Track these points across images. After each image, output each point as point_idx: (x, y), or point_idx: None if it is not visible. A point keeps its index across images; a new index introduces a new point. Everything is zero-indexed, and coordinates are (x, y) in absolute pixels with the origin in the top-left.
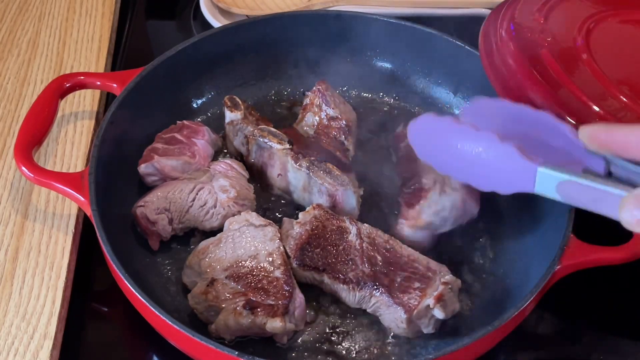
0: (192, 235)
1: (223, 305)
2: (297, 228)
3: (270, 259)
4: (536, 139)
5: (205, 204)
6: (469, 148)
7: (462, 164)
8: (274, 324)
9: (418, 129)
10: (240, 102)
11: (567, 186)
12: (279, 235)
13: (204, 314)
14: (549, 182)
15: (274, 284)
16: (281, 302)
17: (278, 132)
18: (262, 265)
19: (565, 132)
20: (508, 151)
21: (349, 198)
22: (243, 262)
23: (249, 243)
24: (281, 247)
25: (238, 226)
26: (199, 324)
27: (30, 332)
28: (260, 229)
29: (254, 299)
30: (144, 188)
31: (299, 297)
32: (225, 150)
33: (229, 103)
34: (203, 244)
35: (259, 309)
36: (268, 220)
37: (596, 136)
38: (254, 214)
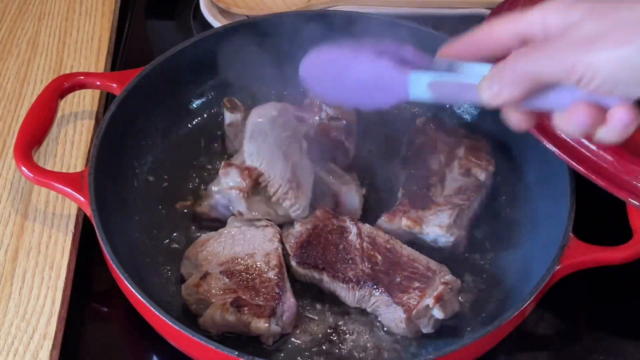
0: (192, 238)
1: (212, 300)
2: (297, 226)
3: (267, 259)
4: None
5: None
6: (355, 71)
7: (349, 88)
8: (258, 325)
9: (311, 64)
10: (239, 103)
11: (436, 85)
12: (279, 237)
13: (194, 306)
14: (420, 85)
15: (266, 284)
16: (269, 303)
17: None
18: (257, 264)
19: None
20: (382, 65)
21: (352, 198)
22: (239, 260)
23: (248, 242)
24: (279, 250)
25: (240, 224)
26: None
27: (30, 332)
28: (261, 229)
29: (243, 297)
30: (144, 188)
31: (290, 300)
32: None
33: (228, 105)
34: (204, 236)
35: (246, 308)
36: (270, 222)
37: (443, 52)
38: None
